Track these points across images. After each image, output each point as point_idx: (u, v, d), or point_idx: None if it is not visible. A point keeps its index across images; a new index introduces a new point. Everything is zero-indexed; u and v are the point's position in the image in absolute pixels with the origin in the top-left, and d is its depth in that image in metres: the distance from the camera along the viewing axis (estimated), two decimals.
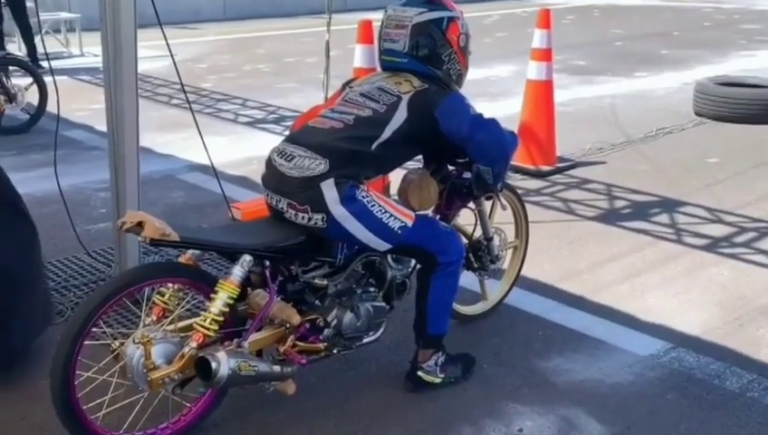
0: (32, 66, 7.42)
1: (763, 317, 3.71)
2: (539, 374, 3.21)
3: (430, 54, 2.92)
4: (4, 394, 3.01)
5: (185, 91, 4.19)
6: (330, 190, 2.69)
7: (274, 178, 2.81)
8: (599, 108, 7.94)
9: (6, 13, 9.23)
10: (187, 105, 4.16)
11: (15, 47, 9.74)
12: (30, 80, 6.90)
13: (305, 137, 2.85)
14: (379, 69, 3.12)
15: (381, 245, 2.84)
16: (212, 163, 4.12)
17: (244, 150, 6.37)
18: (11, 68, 7.09)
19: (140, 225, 2.44)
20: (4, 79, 6.71)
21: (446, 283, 2.99)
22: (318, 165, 2.71)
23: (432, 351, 3.06)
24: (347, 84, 3.14)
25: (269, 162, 2.86)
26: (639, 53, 11.14)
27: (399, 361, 3.21)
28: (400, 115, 2.82)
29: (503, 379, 3.18)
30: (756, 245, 4.56)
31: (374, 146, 2.79)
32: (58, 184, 3.92)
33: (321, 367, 3.03)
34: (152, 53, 10.55)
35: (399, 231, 2.82)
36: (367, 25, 4.48)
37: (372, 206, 2.77)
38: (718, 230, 4.77)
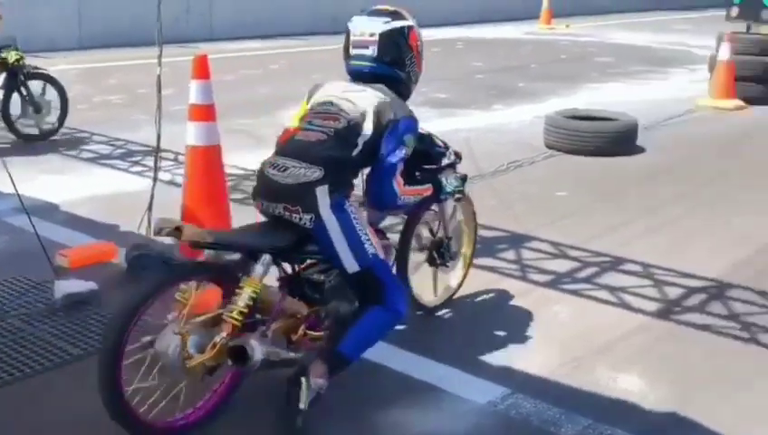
0: (56, 80, 7.69)
1: (599, 357, 3.69)
2: (369, 430, 3.07)
3: (396, 59, 3.30)
4: None
5: None
6: (323, 195, 2.97)
7: (268, 188, 3.06)
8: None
9: None
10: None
11: None
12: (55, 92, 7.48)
13: (295, 149, 3.10)
14: (329, 82, 3.35)
15: (352, 263, 3.04)
16: (23, 206, 3.81)
17: (83, 189, 6.02)
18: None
19: (178, 229, 2.74)
20: (32, 90, 7.36)
21: (383, 320, 3.15)
22: (313, 172, 2.98)
23: (326, 371, 2.94)
24: (312, 93, 3.34)
25: (262, 174, 3.11)
26: (498, 86, 11.34)
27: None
28: (368, 126, 3.11)
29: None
30: (597, 280, 4.59)
31: (354, 153, 3.10)
32: None
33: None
34: None
35: (371, 256, 3.07)
36: (202, 60, 4.27)
37: (356, 221, 3.06)
38: (562, 265, 4.79)
